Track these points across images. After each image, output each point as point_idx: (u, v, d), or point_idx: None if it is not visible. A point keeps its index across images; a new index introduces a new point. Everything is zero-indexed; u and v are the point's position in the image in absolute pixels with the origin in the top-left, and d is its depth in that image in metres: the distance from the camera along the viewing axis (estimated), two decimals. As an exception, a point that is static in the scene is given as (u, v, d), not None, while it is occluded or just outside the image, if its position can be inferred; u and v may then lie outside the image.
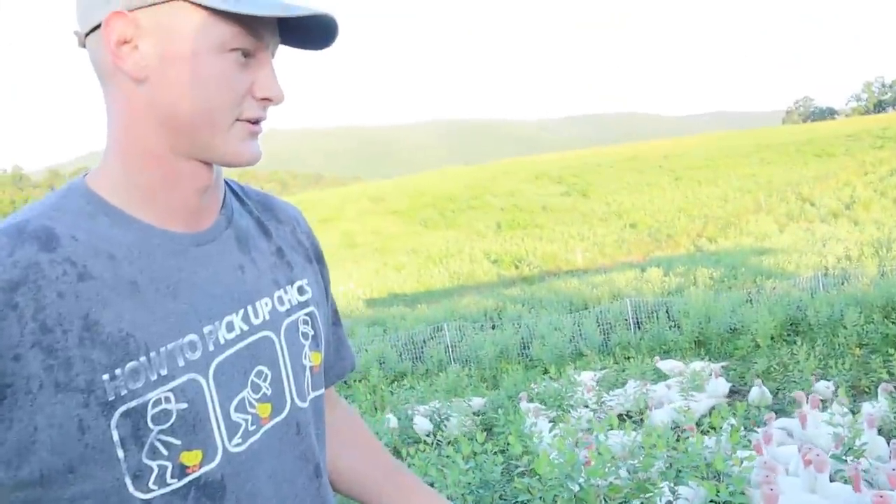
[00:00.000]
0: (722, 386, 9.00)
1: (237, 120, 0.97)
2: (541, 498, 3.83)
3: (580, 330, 15.41)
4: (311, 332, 1.18)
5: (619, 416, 8.92)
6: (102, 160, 0.99)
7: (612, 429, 5.26)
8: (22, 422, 0.82)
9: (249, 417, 1.02)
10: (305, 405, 1.13)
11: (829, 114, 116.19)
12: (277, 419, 1.07)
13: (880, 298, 13.58)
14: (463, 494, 5.01)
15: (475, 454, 5.53)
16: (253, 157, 1.00)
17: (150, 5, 0.90)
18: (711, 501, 3.93)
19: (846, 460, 5.18)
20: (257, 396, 1.03)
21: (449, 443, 6.05)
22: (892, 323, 11.92)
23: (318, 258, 1.28)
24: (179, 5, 0.90)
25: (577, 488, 3.87)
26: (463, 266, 30.59)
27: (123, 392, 0.87)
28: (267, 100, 0.98)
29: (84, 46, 0.98)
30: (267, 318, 1.08)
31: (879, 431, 6.25)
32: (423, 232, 41.59)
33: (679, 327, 14.37)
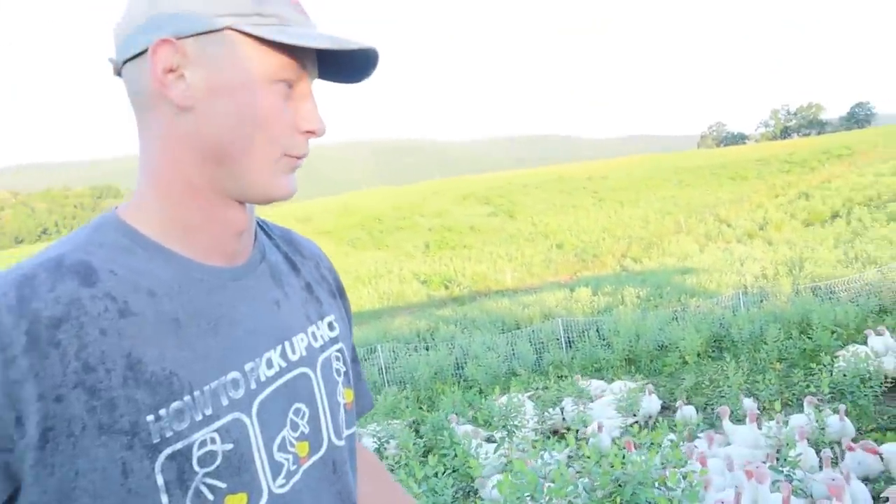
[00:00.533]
0: (655, 403, 9.29)
1: (284, 155, 0.94)
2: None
3: (513, 350, 15.61)
4: (343, 369, 1.16)
5: (557, 433, 9.11)
6: (139, 193, 0.96)
7: (562, 447, 5.39)
8: (63, 467, 0.77)
9: (290, 457, 0.98)
10: (341, 443, 1.11)
11: (740, 139, 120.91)
12: (315, 458, 1.04)
13: (796, 315, 14.24)
14: (418, 518, 5.04)
15: (427, 477, 5.57)
16: (291, 191, 0.97)
17: (199, 34, 0.88)
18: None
19: (783, 471, 5.43)
20: (296, 435, 1.00)
21: (396, 464, 6.05)
22: (809, 338, 12.48)
23: (340, 293, 1.26)
24: (229, 34, 0.88)
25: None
26: (392, 286, 30.56)
27: (168, 434, 0.83)
28: (311, 132, 0.96)
29: (119, 74, 0.94)
30: (304, 353, 1.05)
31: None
32: (352, 252, 41.34)
33: (610, 345, 14.71)
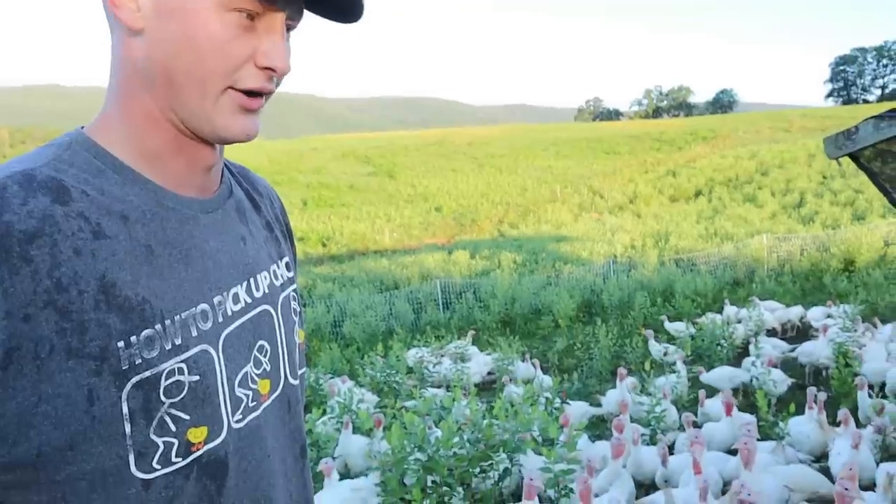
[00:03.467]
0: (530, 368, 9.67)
1: (230, 88, 0.88)
2: (389, 470, 4.01)
3: (392, 309, 15.73)
4: (298, 309, 1.15)
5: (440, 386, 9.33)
6: (104, 113, 0.92)
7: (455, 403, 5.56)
8: (25, 391, 0.73)
9: (251, 393, 0.97)
10: (296, 382, 1.11)
11: (615, 115, 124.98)
12: (274, 395, 1.03)
13: (661, 284, 15.13)
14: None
15: (311, 431, 5.61)
16: (245, 132, 0.91)
17: None
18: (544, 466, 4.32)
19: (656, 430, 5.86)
20: (258, 372, 0.99)
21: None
22: (672, 306, 13.29)
23: (290, 235, 1.25)
24: None
25: (426, 458, 4.09)
26: (268, 243, 29.97)
27: (138, 361, 0.80)
28: (270, 69, 0.89)
29: None
30: (266, 291, 1.04)
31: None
32: (226, 206, 39.99)
33: (486, 307, 15.10)
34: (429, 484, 4.25)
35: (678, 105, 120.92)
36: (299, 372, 1.12)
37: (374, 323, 14.79)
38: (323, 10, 0.92)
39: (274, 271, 1.09)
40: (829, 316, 10.26)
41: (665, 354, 9.59)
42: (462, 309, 15.46)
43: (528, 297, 15.06)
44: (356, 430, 6.16)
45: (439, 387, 9.07)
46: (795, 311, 11.15)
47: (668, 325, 10.73)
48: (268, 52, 0.87)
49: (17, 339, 0.72)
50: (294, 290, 1.15)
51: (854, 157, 4.02)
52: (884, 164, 4.08)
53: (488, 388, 9.66)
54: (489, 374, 10.00)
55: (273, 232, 1.15)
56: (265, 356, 1.01)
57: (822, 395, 5.62)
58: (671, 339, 10.48)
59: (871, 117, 3.56)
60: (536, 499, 3.69)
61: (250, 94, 0.89)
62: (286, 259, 1.15)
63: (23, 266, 0.73)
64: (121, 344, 0.79)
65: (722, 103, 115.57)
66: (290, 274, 1.15)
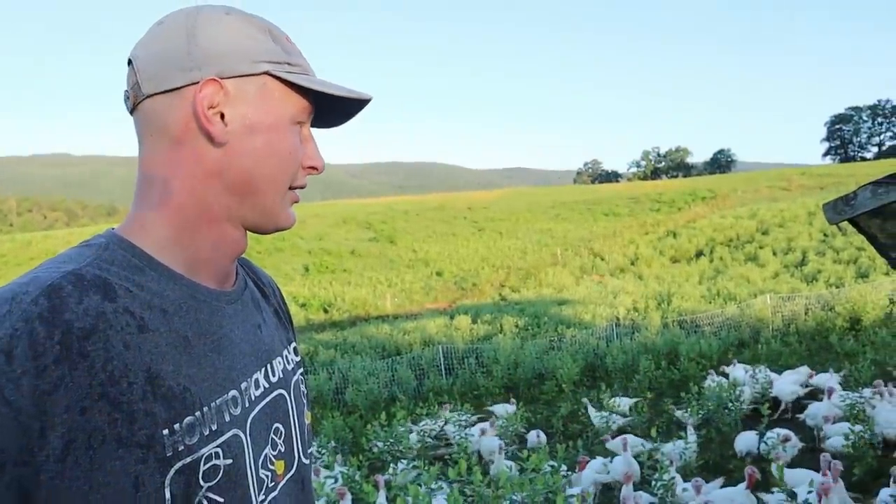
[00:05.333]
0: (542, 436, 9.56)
1: (290, 188, 1.02)
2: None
3: (394, 375, 15.59)
4: (306, 392, 1.23)
5: (442, 459, 9.17)
6: (142, 216, 0.98)
7: (460, 475, 5.44)
8: (79, 480, 0.77)
9: (270, 474, 1.03)
10: (307, 461, 1.17)
11: (613, 177, 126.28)
12: (289, 475, 1.09)
13: (665, 346, 15.00)
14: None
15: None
16: (294, 221, 1.06)
17: (240, 76, 0.95)
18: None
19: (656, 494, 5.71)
20: (275, 453, 1.05)
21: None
22: (677, 369, 13.16)
23: (291, 323, 1.31)
24: (266, 78, 0.97)
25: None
26: (270, 310, 29.90)
27: (180, 448, 0.85)
28: (313, 169, 1.05)
29: (135, 107, 0.97)
30: (281, 376, 1.11)
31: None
32: (228, 273, 40.06)
33: (489, 373, 14.96)
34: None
35: (676, 166, 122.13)
36: (309, 451, 1.19)
37: (377, 390, 14.64)
38: (322, 119, 1.09)
39: (286, 356, 1.17)
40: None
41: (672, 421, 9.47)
42: (464, 374, 15.32)
43: (531, 361, 14.92)
44: (358, 501, 6.05)
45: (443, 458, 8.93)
46: (803, 371, 11.01)
47: (590, 411, 10.27)
48: (313, 155, 1.04)
49: (75, 431, 0.77)
50: (302, 374, 1.23)
51: (852, 220, 4.01)
52: (882, 229, 4.08)
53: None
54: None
55: (281, 319, 1.24)
56: (280, 438, 1.08)
57: (838, 464, 5.51)
58: (678, 400, 10.32)
59: (870, 183, 3.57)
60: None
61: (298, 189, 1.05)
62: (294, 344, 1.25)
63: (81, 362, 0.78)
64: (166, 432, 0.84)
65: (720, 163, 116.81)
66: (298, 358, 1.23)
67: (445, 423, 10.34)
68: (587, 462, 7.31)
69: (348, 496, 6.01)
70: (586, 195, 63.58)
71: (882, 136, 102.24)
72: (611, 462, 7.13)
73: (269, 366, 1.08)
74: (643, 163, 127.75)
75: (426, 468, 5.46)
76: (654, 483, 6.19)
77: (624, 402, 10.32)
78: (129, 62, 0.97)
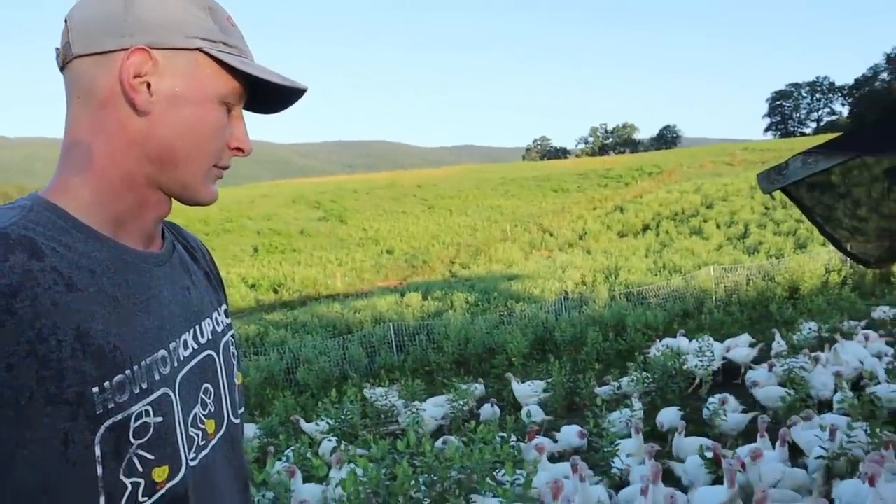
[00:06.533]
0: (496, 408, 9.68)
1: (214, 165, 1.05)
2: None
3: (345, 354, 15.61)
4: (237, 353, 1.25)
5: (393, 434, 9.23)
6: (65, 179, 0.98)
7: (409, 448, 5.50)
8: (5, 436, 0.78)
9: (200, 433, 1.05)
10: (237, 421, 1.19)
11: (562, 153, 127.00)
12: (219, 434, 1.11)
13: (612, 319, 15.29)
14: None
15: (265, 482, 5.50)
16: (215, 197, 1.08)
17: (172, 48, 0.96)
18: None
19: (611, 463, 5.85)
20: (205, 413, 1.07)
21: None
22: (623, 340, 13.43)
23: (222, 285, 1.33)
24: (199, 55, 0.99)
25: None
26: (219, 291, 29.48)
27: (111, 405, 0.86)
28: (239, 150, 1.08)
29: (64, 65, 0.98)
30: (210, 337, 1.13)
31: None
32: (174, 255, 39.35)
33: (440, 348, 15.06)
34: (385, 530, 4.18)
35: (624, 142, 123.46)
36: (239, 412, 1.21)
37: (328, 368, 14.66)
38: (256, 104, 1.11)
39: (215, 318, 1.19)
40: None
41: (619, 389, 9.68)
42: (416, 351, 15.41)
43: (481, 336, 15.06)
44: (310, 478, 6.07)
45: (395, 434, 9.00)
46: (743, 339, 11.33)
47: (514, 384, 10.35)
48: (241, 137, 1.07)
49: (1, 387, 0.77)
50: (232, 336, 1.24)
51: (787, 191, 4.14)
52: (813, 197, 4.21)
53: (444, 427, 9.59)
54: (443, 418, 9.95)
55: (210, 282, 1.25)
56: (210, 398, 1.10)
57: (765, 418, 5.72)
58: (625, 371, 10.54)
59: (800, 153, 3.67)
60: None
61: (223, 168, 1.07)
62: (224, 307, 1.26)
63: (8, 319, 0.78)
64: (95, 389, 0.85)
65: (666, 139, 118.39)
66: (228, 320, 1.25)
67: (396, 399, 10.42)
68: (535, 431, 7.45)
69: (298, 474, 6.03)
70: (535, 172, 63.84)
71: (820, 112, 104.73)
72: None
73: (197, 327, 1.10)
74: (591, 139, 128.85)
75: (377, 443, 5.51)
76: (601, 451, 6.35)
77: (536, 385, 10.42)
78: (66, 21, 0.98)
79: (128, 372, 0.90)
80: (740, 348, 10.40)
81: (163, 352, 0.98)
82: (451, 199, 52.23)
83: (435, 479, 4.32)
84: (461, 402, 9.58)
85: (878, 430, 5.34)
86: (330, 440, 8.35)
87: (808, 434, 5.87)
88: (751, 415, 7.25)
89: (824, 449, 5.39)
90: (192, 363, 1.06)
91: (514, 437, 6.68)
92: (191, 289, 1.13)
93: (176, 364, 1.00)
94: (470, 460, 4.61)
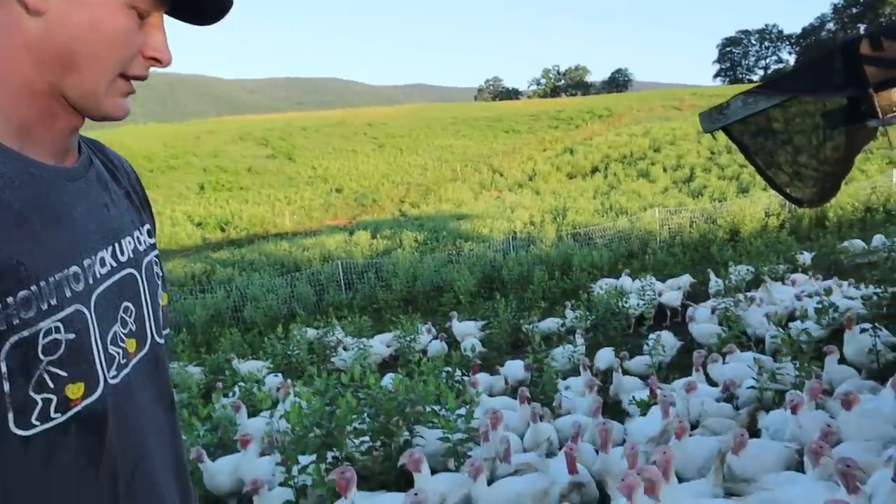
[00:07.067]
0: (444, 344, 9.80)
1: (120, 75, 0.97)
2: (293, 445, 3.99)
3: (293, 292, 15.60)
4: (161, 273, 1.21)
5: (339, 370, 9.32)
6: None
7: (353, 381, 5.56)
8: None
9: (121, 351, 1.02)
10: (161, 341, 1.17)
11: (514, 94, 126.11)
12: (142, 353, 1.09)
13: (559, 258, 15.52)
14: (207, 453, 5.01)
15: (210, 416, 5.53)
16: (123, 112, 1.01)
17: None
18: (443, 437, 4.40)
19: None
20: (125, 331, 1.04)
21: (178, 405, 5.92)
22: (569, 279, 13.66)
23: (148, 206, 1.29)
24: None
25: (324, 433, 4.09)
26: (164, 229, 28.96)
27: (15, 321, 0.83)
28: (156, 60, 0.99)
29: None
30: (131, 255, 1.10)
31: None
32: (117, 192, 38.37)
33: (388, 286, 15.14)
34: (329, 460, 4.25)
35: (575, 84, 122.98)
36: (164, 332, 1.19)
37: (276, 306, 14.64)
38: (186, 15, 1.03)
39: (137, 237, 1.14)
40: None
41: (562, 326, 9.89)
42: (364, 289, 15.47)
43: (429, 274, 15.18)
44: (257, 411, 6.13)
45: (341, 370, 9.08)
46: (685, 279, 11.63)
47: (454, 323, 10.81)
48: (157, 45, 0.98)
49: None
50: (156, 256, 1.20)
51: (728, 131, 4.22)
52: (757, 143, 4.31)
53: (391, 365, 9.71)
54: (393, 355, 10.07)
55: (133, 201, 1.20)
56: (130, 317, 1.06)
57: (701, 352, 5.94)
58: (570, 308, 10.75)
59: (741, 93, 3.74)
60: (424, 470, 3.75)
61: (133, 80, 0.99)
62: (147, 226, 1.21)
63: None
64: None
65: (617, 82, 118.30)
66: (152, 240, 1.21)
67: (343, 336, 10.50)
68: (479, 366, 7.61)
69: (244, 409, 6.08)
70: (487, 112, 63.51)
71: (768, 60, 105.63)
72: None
73: (116, 245, 1.06)
74: (543, 81, 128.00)
75: (320, 376, 5.55)
76: (539, 386, 6.52)
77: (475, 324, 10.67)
78: None
79: (34, 288, 0.86)
80: (671, 292, 10.66)
81: (75, 268, 0.94)
82: (401, 139, 51.79)
83: (379, 411, 4.40)
84: (408, 339, 9.68)
85: (805, 365, 5.58)
86: (276, 376, 8.40)
87: (729, 368, 6.18)
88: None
89: (755, 379, 5.62)
90: (111, 281, 1.02)
91: (459, 372, 6.79)
92: (109, 206, 1.09)
93: (91, 281, 0.97)
94: (414, 393, 4.69)
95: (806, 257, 12.43)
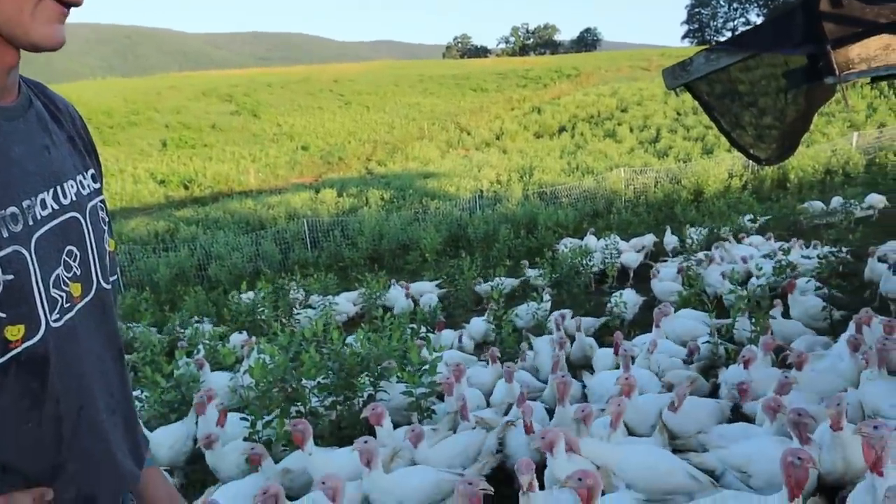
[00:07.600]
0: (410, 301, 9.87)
1: None
2: (257, 399, 4.01)
3: (258, 250, 15.51)
4: (107, 219, 1.20)
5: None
6: None
7: (317, 336, 5.58)
8: None
9: (64, 295, 1.01)
10: (108, 287, 1.15)
11: (482, 52, 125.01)
12: (87, 298, 1.07)
13: (524, 217, 15.61)
14: (166, 413, 5.01)
15: (172, 374, 5.52)
16: (60, 40, 0.96)
17: None
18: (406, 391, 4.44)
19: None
20: (69, 275, 1.03)
21: (142, 362, 5.90)
22: (534, 237, 13.76)
23: (94, 151, 1.26)
24: None
25: (290, 389, 4.11)
26: (126, 186, 28.44)
27: None
28: None
29: None
30: (74, 199, 1.08)
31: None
32: (77, 148, 37.53)
33: (354, 245, 15.13)
34: (293, 414, 4.28)
35: (544, 43, 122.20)
36: (111, 278, 1.17)
37: (241, 264, 14.56)
38: None
39: (80, 181, 1.12)
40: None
41: (527, 283, 9.98)
42: (330, 247, 15.45)
43: (395, 232, 15.19)
44: (221, 367, 6.13)
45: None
46: (648, 239, 11.76)
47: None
48: None
49: None
50: (102, 202, 1.19)
51: (694, 91, 4.25)
52: (723, 105, 4.35)
53: (357, 322, 9.73)
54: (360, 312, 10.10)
55: (76, 146, 1.17)
56: (75, 261, 1.05)
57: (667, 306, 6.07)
58: (534, 266, 10.83)
59: (703, 49, 3.77)
60: (386, 424, 3.80)
61: (64, 5, 0.93)
62: (92, 171, 1.19)
63: None
64: None
65: (586, 42, 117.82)
66: (97, 185, 1.19)
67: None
68: (444, 324, 7.67)
69: (207, 366, 6.07)
70: (454, 70, 62.93)
71: (736, 22, 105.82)
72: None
73: (59, 188, 1.04)
74: (512, 39, 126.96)
75: (283, 331, 5.55)
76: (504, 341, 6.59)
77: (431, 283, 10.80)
78: None
79: None
80: (630, 253, 10.77)
81: (13, 209, 0.92)
82: (368, 96, 51.19)
83: (343, 366, 4.42)
84: (374, 295, 9.71)
85: (760, 320, 5.72)
86: (241, 333, 8.38)
87: (679, 324, 6.33)
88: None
89: (711, 334, 5.76)
90: (52, 224, 1.00)
91: (424, 329, 6.84)
92: (50, 148, 1.06)
93: (31, 223, 0.95)
94: (378, 347, 4.72)
95: (748, 218, 12.52)
